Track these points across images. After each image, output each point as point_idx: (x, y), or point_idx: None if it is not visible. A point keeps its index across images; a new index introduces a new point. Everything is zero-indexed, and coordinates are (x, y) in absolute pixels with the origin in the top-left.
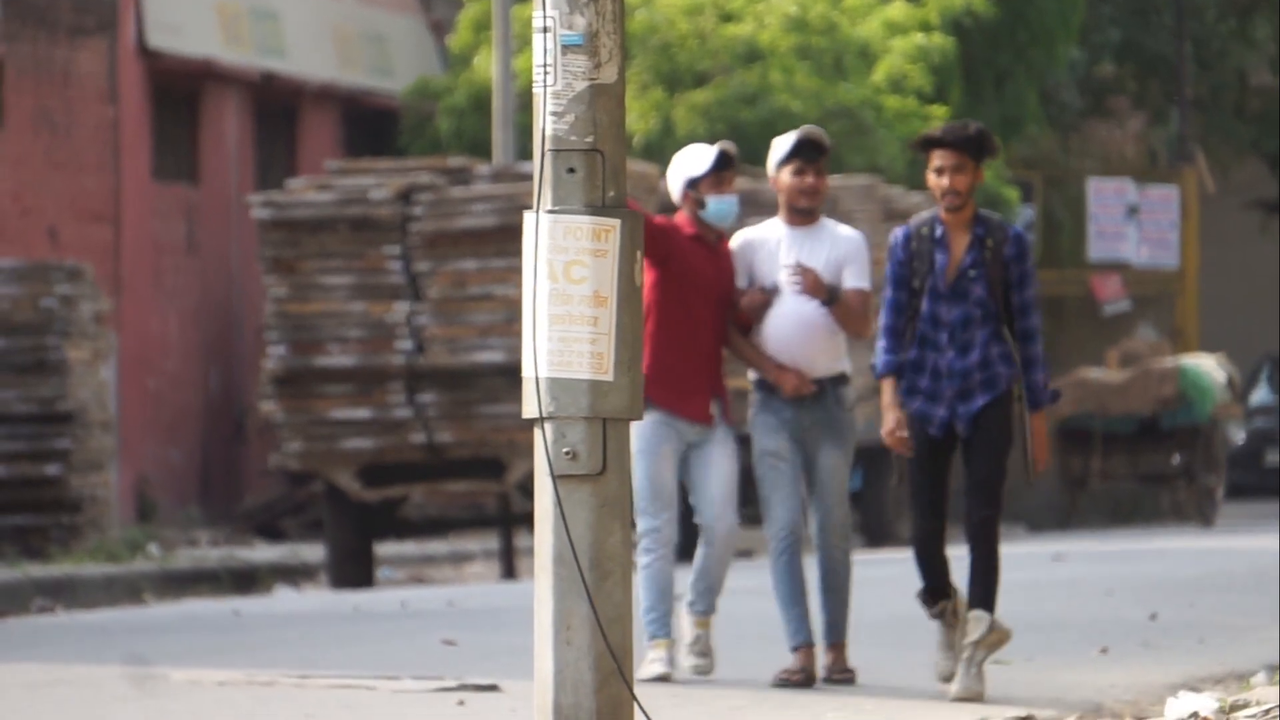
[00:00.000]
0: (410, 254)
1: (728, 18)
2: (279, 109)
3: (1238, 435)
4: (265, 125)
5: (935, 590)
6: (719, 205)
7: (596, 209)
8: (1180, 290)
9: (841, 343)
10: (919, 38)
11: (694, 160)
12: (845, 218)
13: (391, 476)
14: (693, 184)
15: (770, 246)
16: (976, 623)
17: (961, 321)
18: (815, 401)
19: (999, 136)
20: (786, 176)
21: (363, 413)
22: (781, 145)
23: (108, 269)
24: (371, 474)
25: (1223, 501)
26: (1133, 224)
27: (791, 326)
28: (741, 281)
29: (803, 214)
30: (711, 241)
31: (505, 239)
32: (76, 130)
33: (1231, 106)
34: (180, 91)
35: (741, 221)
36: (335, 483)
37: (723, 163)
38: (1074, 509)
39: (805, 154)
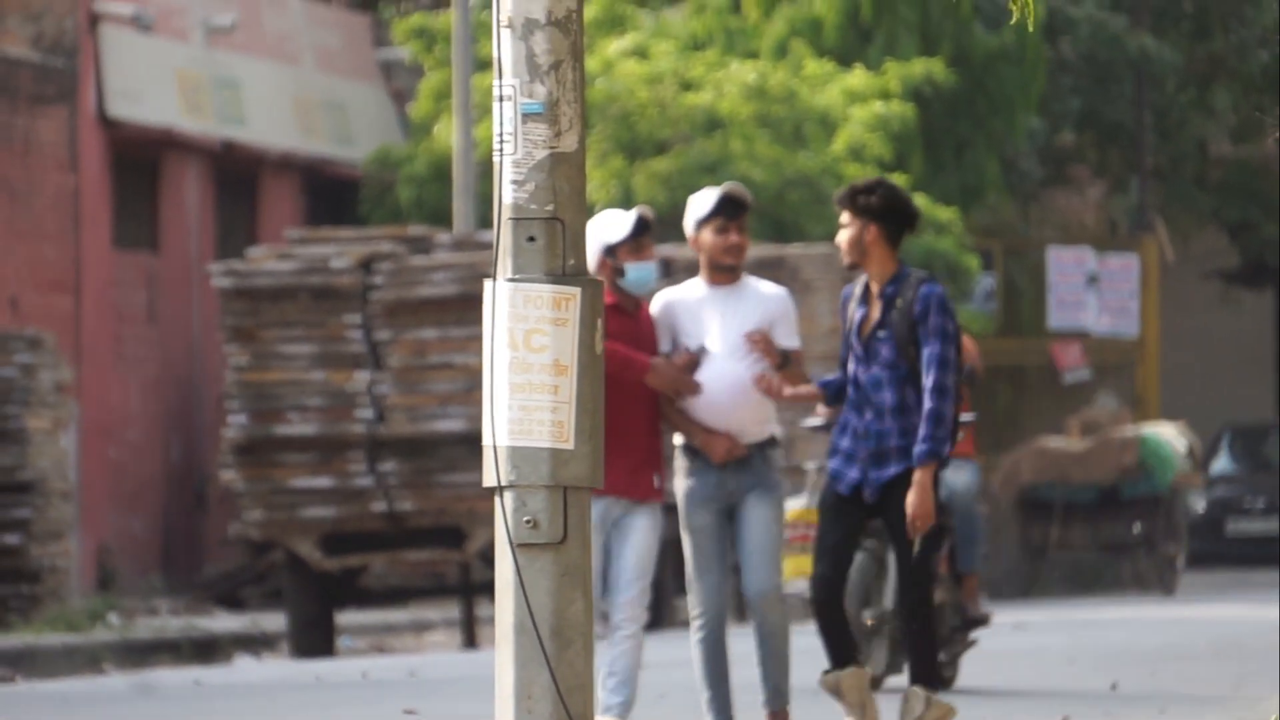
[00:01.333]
0: (371, 322)
1: (687, 86)
2: (240, 177)
3: (1198, 504)
4: (226, 194)
5: (833, 650)
6: (638, 272)
7: (557, 277)
8: (1140, 359)
9: (770, 406)
10: (879, 106)
11: (611, 226)
12: (806, 287)
13: (352, 545)
14: (610, 251)
15: (692, 307)
16: (914, 699)
17: (872, 383)
18: (743, 466)
19: (959, 205)
20: (709, 235)
21: (323, 481)
22: (702, 203)
23: (68, 338)
24: (332, 543)
25: (1184, 570)
26: (1093, 292)
27: (721, 390)
28: (665, 345)
29: (726, 272)
30: (630, 309)
31: (466, 307)
32: (37, 199)
33: (1192, 176)
34: (141, 160)
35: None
36: (296, 552)
37: (641, 228)
38: (1035, 578)
39: (728, 212)
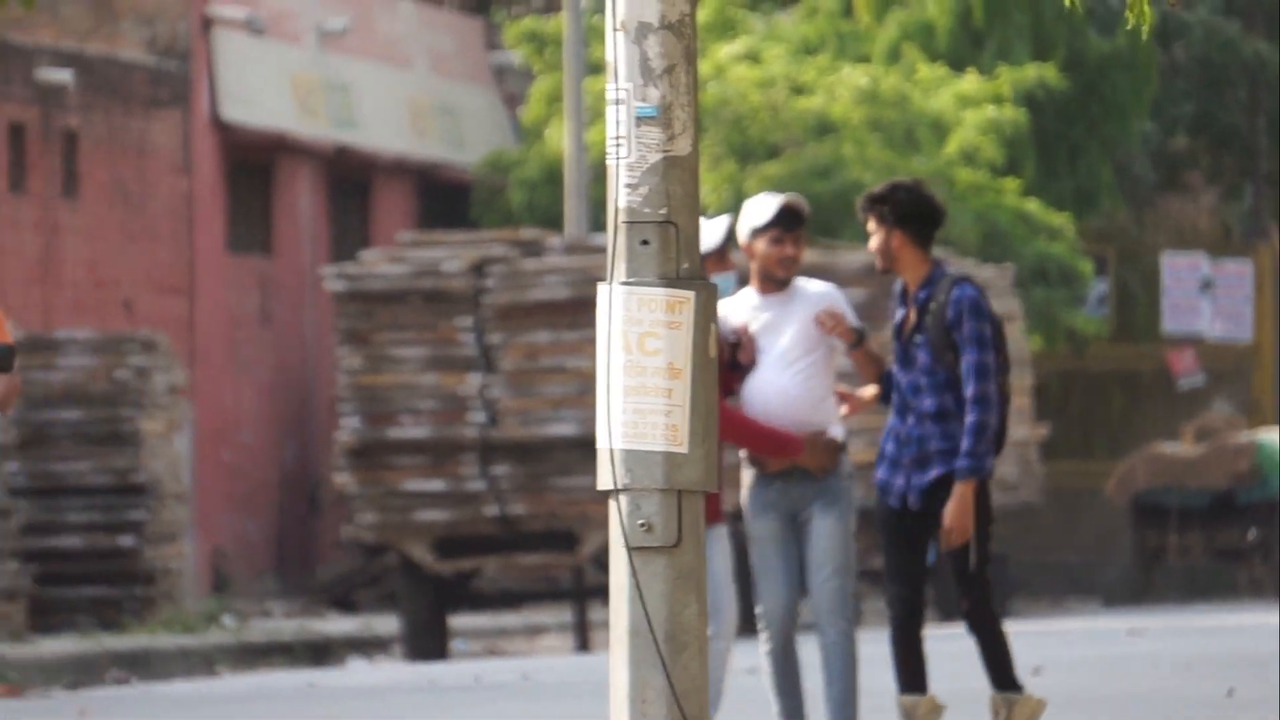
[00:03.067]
0: (483, 326)
1: (800, 90)
2: (352, 181)
3: None
4: (339, 197)
5: (906, 673)
6: (724, 284)
7: (670, 281)
8: (1255, 364)
9: (829, 409)
10: (991, 110)
11: (700, 235)
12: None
13: (465, 549)
14: None
15: (745, 317)
16: (1002, 703)
17: (911, 389)
18: (806, 472)
19: (1072, 210)
20: (764, 245)
21: (436, 485)
22: (760, 212)
23: (182, 340)
24: (445, 546)
25: None
26: (1207, 298)
27: (770, 397)
28: (722, 353)
29: (778, 283)
30: None
31: (577, 311)
32: (151, 202)
33: None
34: (254, 163)
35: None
36: (409, 555)
37: (729, 239)
38: (1150, 584)
39: (785, 223)
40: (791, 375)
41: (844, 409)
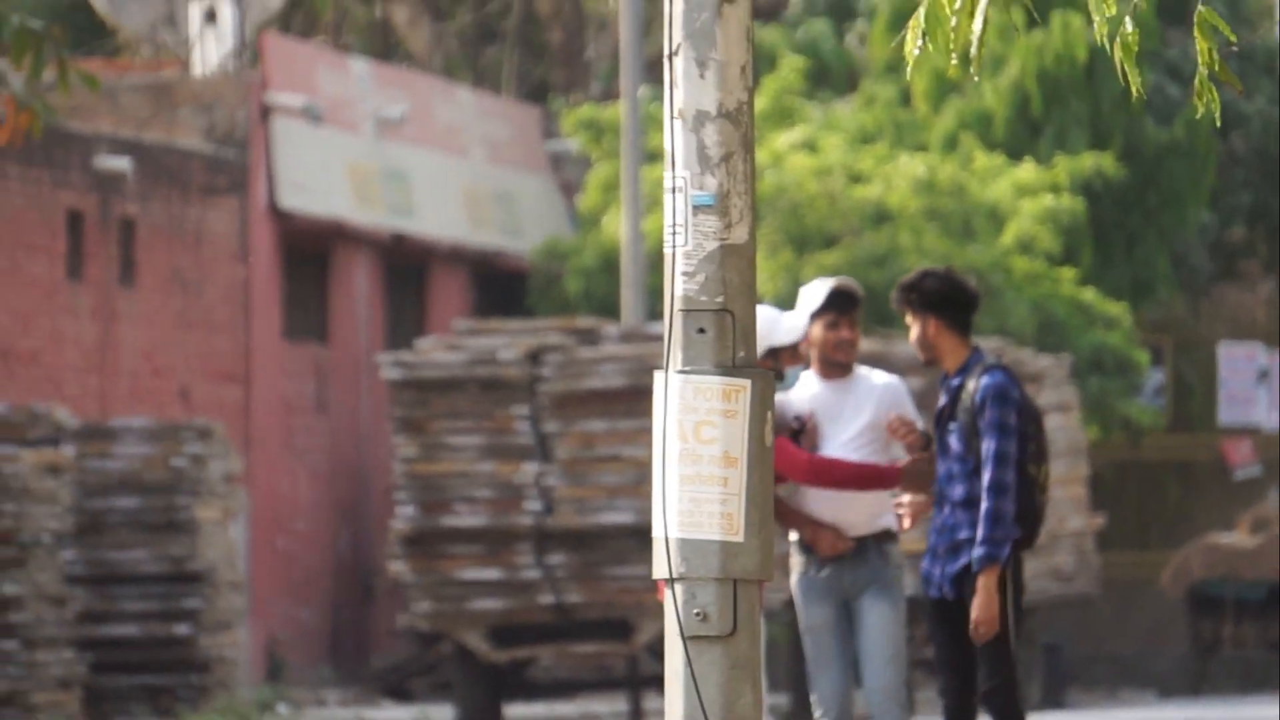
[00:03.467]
0: (539, 414)
1: (857, 179)
2: (409, 269)
3: None
4: (395, 285)
5: None
6: (795, 377)
7: (727, 369)
8: None
9: (884, 498)
10: (1048, 200)
11: (780, 326)
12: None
13: (520, 637)
14: (773, 353)
15: (807, 404)
16: None
17: (945, 477)
18: (859, 559)
19: (1129, 300)
20: (820, 330)
21: (491, 573)
22: (813, 297)
23: (238, 428)
24: (500, 635)
25: None
26: (1264, 388)
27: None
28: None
29: (838, 368)
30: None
31: (634, 400)
32: (208, 289)
33: None
34: (311, 251)
35: None
36: (464, 643)
37: (804, 334)
38: (1205, 675)
39: (839, 306)
40: (859, 460)
41: (906, 522)
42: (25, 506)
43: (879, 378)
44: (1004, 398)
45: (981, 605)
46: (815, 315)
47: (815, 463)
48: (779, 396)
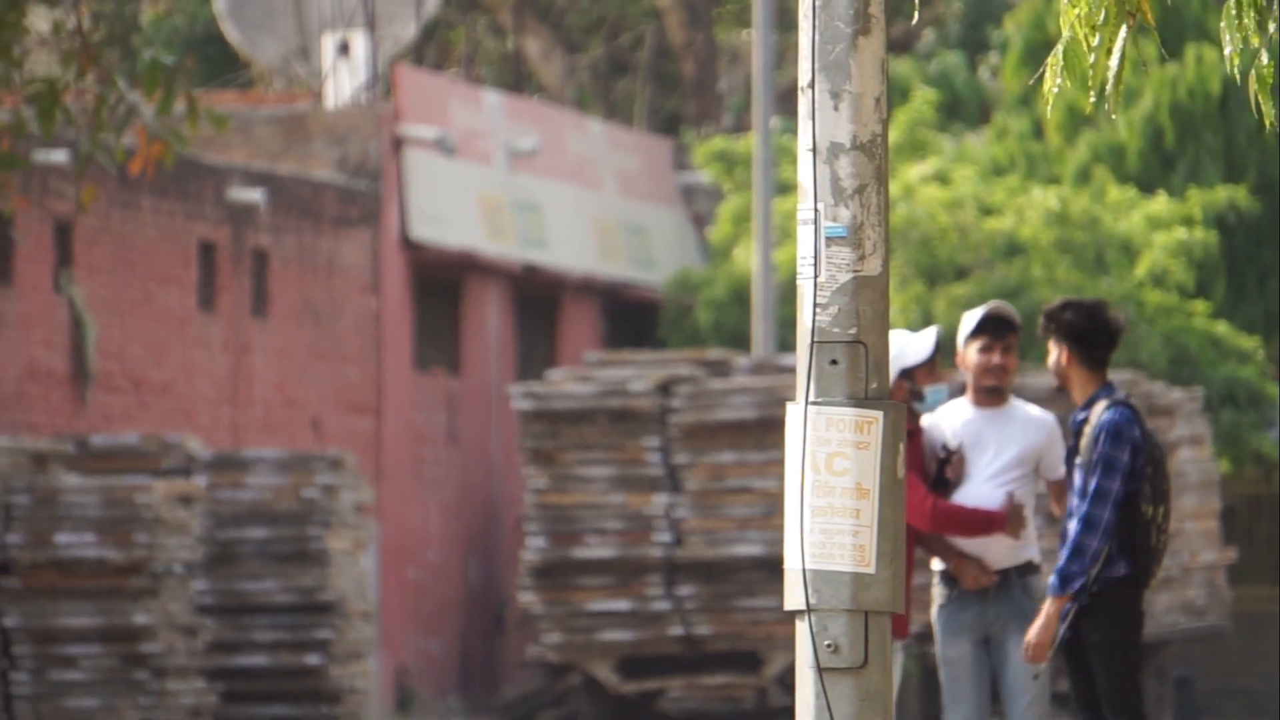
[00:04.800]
0: (669, 446)
1: (988, 212)
2: (540, 300)
3: None
4: (526, 316)
5: None
6: (936, 395)
7: (859, 401)
8: None
9: (1029, 529)
10: (1181, 233)
11: (908, 349)
12: None
13: (649, 669)
14: (906, 374)
15: (958, 430)
16: None
17: (1069, 512)
18: (1001, 593)
19: (1261, 334)
20: (973, 354)
21: (621, 604)
22: (968, 321)
23: (369, 459)
24: (629, 666)
25: None
26: None
27: None
28: (929, 466)
29: (991, 394)
30: (915, 432)
31: (764, 431)
32: (340, 321)
33: None
34: (442, 282)
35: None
36: (593, 675)
37: (938, 349)
38: None
39: (992, 330)
40: (999, 494)
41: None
42: (157, 537)
43: (1035, 414)
44: (1118, 435)
45: (1038, 629)
46: (969, 339)
47: (937, 512)
48: (928, 420)
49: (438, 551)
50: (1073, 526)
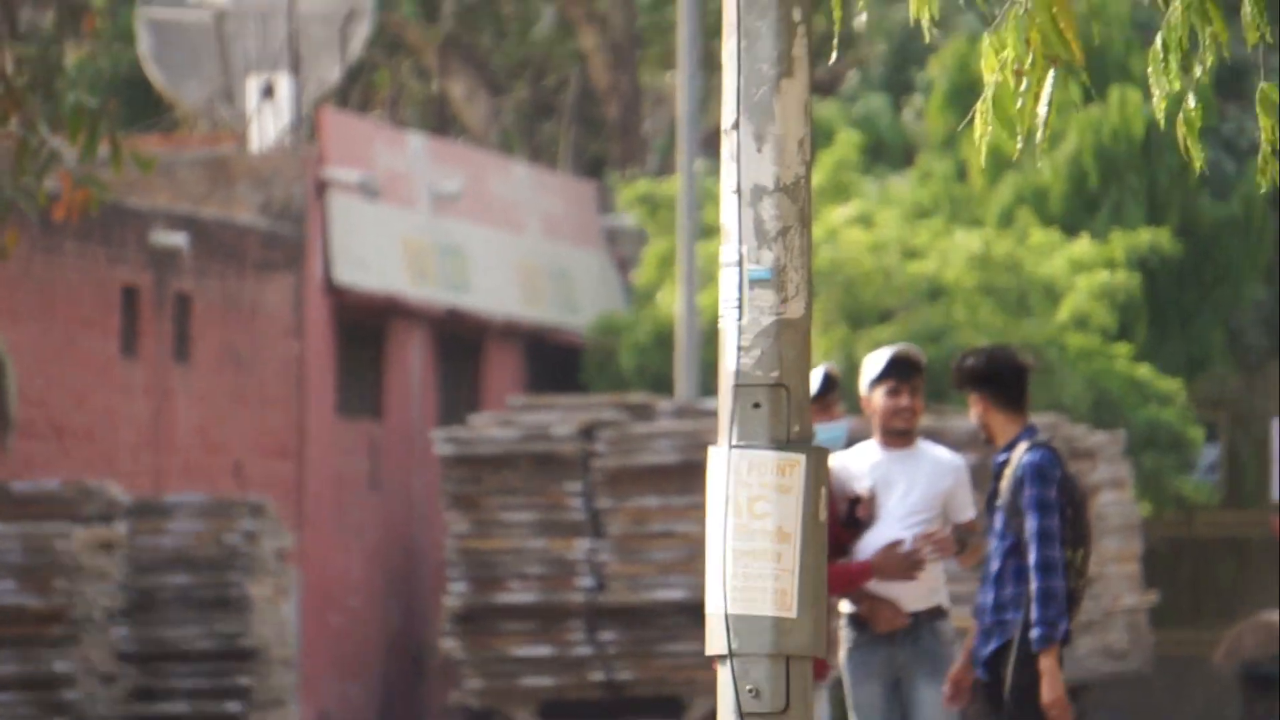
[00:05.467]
0: (592, 490)
1: (912, 254)
2: (463, 344)
3: None
4: (449, 360)
5: None
6: (828, 433)
7: (781, 444)
8: None
9: (938, 573)
10: (1104, 275)
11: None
12: None
13: (571, 714)
14: None
15: (866, 471)
16: None
17: (989, 555)
18: (910, 637)
19: (1183, 376)
20: (880, 397)
21: (543, 650)
22: (874, 364)
23: (291, 504)
24: (552, 712)
25: None
26: None
27: None
28: (840, 507)
29: (899, 436)
30: None
31: (687, 475)
32: (262, 365)
33: None
34: (366, 327)
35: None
36: None
37: (827, 386)
38: None
39: (898, 374)
40: (909, 535)
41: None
42: (77, 583)
43: (943, 455)
44: (1043, 475)
45: (1048, 687)
46: (875, 382)
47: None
48: (838, 462)
49: (359, 597)
50: (1032, 576)
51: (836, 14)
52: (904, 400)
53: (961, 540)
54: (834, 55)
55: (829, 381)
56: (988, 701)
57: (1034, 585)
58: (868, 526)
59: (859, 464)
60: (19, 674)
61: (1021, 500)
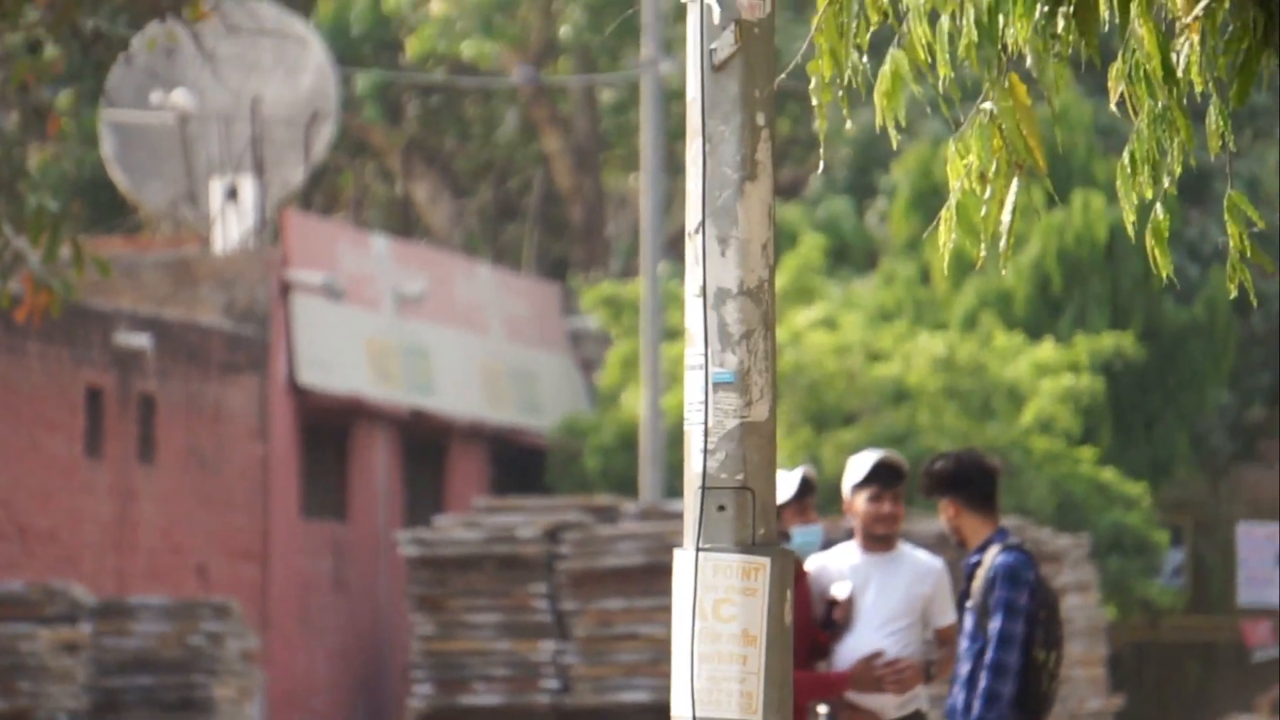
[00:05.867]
0: (557, 592)
1: (876, 357)
2: (428, 446)
3: None
4: (414, 462)
5: None
6: (804, 536)
7: (746, 547)
8: None
9: (919, 679)
10: (1068, 379)
11: (775, 487)
12: None
13: None
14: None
15: (845, 574)
16: None
17: (960, 657)
18: None
19: (1148, 480)
20: (862, 503)
21: None
22: (858, 469)
23: (256, 606)
24: None
25: None
26: None
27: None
28: (817, 610)
29: (879, 541)
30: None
31: (652, 578)
32: (226, 467)
33: None
34: (330, 428)
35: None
36: None
37: (805, 489)
38: None
39: (882, 480)
40: (887, 640)
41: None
42: (42, 685)
43: (923, 559)
44: (1015, 578)
45: None
46: (859, 486)
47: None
48: (817, 564)
49: (324, 699)
50: (982, 674)
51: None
52: (886, 507)
53: (928, 673)
54: (821, 164)
55: (806, 484)
56: None
57: (982, 684)
58: (845, 629)
59: (838, 565)
60: None
61: (991, 602)
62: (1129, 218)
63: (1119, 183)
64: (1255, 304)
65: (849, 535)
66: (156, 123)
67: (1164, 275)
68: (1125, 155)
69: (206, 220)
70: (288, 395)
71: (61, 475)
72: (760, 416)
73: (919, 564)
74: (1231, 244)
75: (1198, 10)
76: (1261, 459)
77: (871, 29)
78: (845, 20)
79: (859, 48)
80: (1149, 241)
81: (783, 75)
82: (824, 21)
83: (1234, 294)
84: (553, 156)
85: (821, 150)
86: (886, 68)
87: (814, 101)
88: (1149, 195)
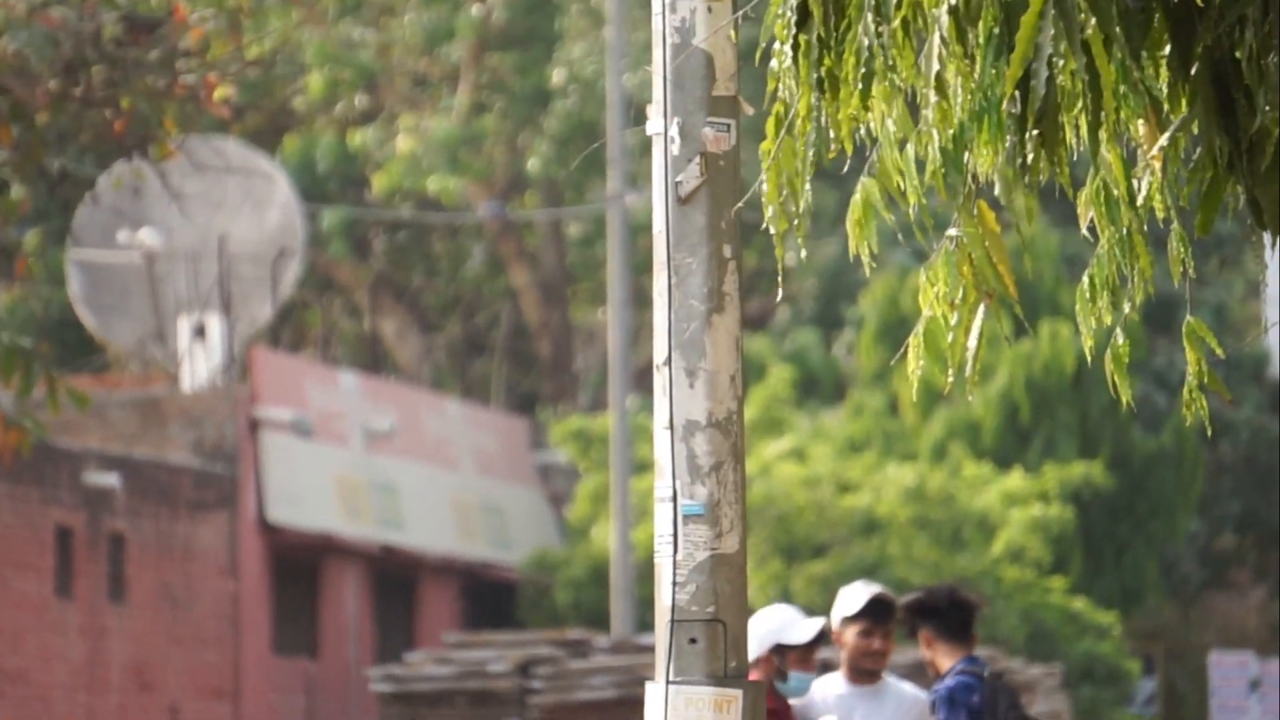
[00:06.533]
0: None
1: (845, 489)
2: (398, 581)
3: None
4: (384, 597)
5: None
6: (800, 682)
7: (718, 680)
8: None
9: None
10: (1037, 509)
11: (792, 628)
12: None
13: None
14: (779, 650)
15: (831, 705)
16: None
17: None
18: None
19: (1119, 608)
20: (852, 636)
21: None
22: (851, 602)
23: None
24: None
25: None
26: (1255, 698)
27: None
28: None
29: (866, 674)
30: (780, 709)
31: (625, 711)
32: (197, 605)
33: None
34: (300, 565)
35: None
36: None
37: (819, 640)
38: None
39: (874, 616)
40: None
41: None
42: None
43: (908, 693)
44: (952, 702)
45: None
46: (850, 620)
47: None
48: (800, 702)
49: None
50: None
51: (779, 252)
52: (877, 643)
53: None
54: (779, 294)
55: (823, 636)
56: None
57: None
58: None
59: (823, 695)
60: None
61: None
62: (1088, 342)
63: (1078, 307)
64: (1210, 433)
65: (825, 668)
66: (123, 262)
67: (1125, 401)
68: (1085, 279)
69: (174, 359)
70: (258, 532)
71: (32, 615)
72: (731, 548)
73: (904, 697)
74: (1190, 371)
75: (1162, 141)
76: (1232, 586)
77: (830, 157)
78: (802, 148)
79: (811, 177)
80: (1109, 367)
81: (740, 204)
82: (778, 151)
83: (1190, 421)
84: (520, 291)
85: (779, 279)
86: (858, 196)
87: (771, 230)
88: (1108, 320)
